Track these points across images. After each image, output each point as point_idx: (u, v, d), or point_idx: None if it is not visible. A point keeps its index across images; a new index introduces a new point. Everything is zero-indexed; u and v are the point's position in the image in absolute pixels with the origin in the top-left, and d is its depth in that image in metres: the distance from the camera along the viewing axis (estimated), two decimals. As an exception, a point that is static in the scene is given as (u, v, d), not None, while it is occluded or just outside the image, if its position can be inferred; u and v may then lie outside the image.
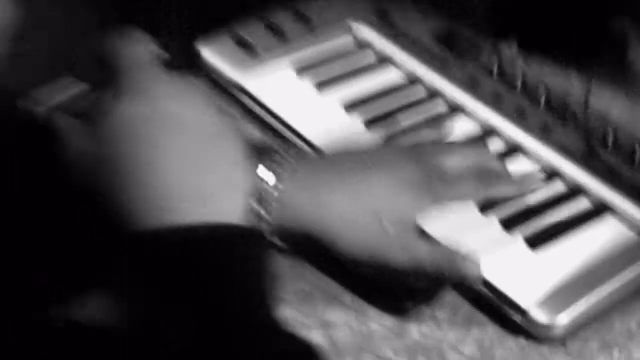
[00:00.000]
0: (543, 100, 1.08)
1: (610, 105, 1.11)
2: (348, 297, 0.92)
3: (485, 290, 0.90)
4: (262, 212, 0.82)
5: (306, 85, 1.12)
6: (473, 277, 0.87)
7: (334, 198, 0.87)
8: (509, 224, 0.96)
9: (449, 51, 1.14)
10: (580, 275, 0.91)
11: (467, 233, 0.92)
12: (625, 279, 0.91)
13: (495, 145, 1.05)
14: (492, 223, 0.95)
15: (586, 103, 1.07)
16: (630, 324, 0.89)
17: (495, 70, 1.11)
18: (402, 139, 1.00)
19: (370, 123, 1.08)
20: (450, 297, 0.91)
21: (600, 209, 0.99)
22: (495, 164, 0.98)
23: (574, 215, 0.98)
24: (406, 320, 0.90)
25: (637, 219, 0.97)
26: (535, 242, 0.94)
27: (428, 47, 1.15)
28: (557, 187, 1.01)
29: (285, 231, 0.86)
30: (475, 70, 1.11)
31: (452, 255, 0.87)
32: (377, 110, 1.09)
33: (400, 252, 0.87)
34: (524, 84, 1.10)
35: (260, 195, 0.81)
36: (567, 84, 1.08)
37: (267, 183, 0.83)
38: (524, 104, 1.08)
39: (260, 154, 0.84)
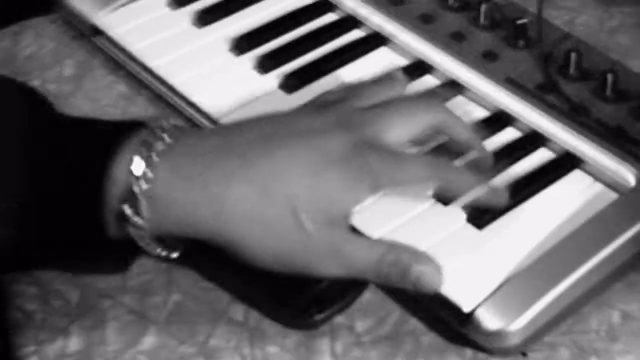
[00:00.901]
0: (483, 17, 0.84)
1: (572, 19, 0.88)
2: (239, 312, 0.70)
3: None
4: (130, 213, 0.64)
5: (184, 21, 0.89)
6: (432, 287, 0.67)
7: (229, 187, 0.64)
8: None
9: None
10: (541, 259, 0.69)
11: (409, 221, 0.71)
12: (603, 258, 0.69)
13: (428, 83, 0.82)
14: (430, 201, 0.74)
15: (539, 17, 0.83)
16: (611, 320, 0.68)
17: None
18: (325, 95, 0.75)
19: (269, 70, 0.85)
20: (373, 300, 0.71)
21: (563, 160, 0.76)
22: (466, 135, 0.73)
23: (529, 171, 0.76)
24: (314, 337, 0.69)
25: (611, 169, 0.74)
26: (480, 217, 0.72)
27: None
28: (507, 135, 0.78)
29: (167, 236, 0.66)
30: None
31: (401, 258, 0.66)
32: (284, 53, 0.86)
33: (326, 257, 0.66)
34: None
35: (127, 190, 0.64)
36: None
37: (132, 173, 0.63)
38: (461, 25, 0.85)
39: (122, 133, 0.65)
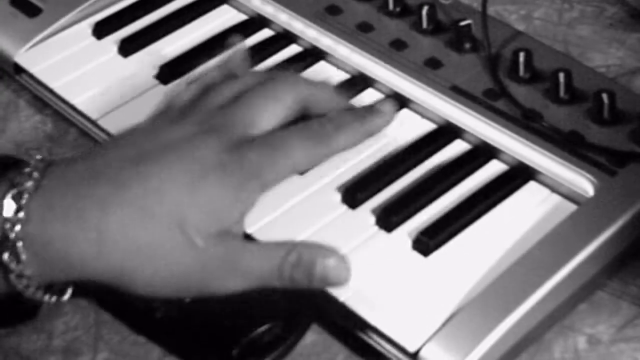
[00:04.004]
0: (425, 21, 0.78)
1: (529, 13, 0.83)
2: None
3: (356, 326, 0.63)
4: (7, 259, 0.58)
5: (109, 51, 0.83)
6: (340, 280, 0.61)
7: (105, 213, 0.58)
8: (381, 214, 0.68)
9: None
10: (494, 284, 0.62)
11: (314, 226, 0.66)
12: (563, 277, 0.63)
13: (370, 96, 0.76)
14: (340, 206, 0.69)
15: (484, 15, 0.77)
16: (577, 346, 0.62)
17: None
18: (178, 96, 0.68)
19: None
20: (317, 341, 0.65)
21: (516, 172, 0.70)
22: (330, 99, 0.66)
23: (480, 187, 0.69)
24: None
25: (568, 179, 0.68)
26: (427, 243, 0.65)
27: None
28: (455, 148, 0.72)
29: (52, 280, 0.60)
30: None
31: (302, 257, 0.60)
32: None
33: (224, 271, 0.60)
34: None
35: (4, 239, 0.58)
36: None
37: (4, 217, 0.58)
38: (402, 31, 0.78)
39: None
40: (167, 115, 0.65)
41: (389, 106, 0.65)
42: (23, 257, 0.58)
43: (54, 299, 0.61)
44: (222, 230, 0.60)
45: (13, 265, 0.58)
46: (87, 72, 0.82)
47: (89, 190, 0.59)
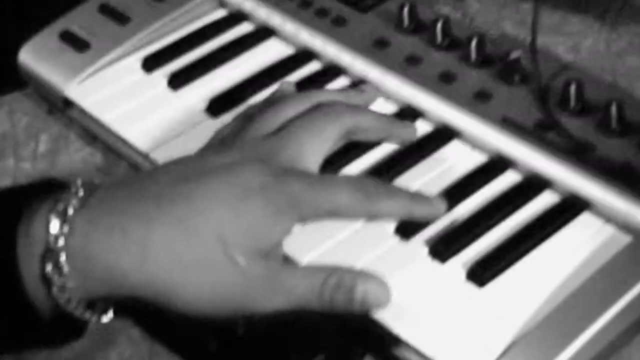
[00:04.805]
0: (474, 52, 0.79)
1: (576, 44, 0.82)
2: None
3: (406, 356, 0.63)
4: (50, 271, 0.59)
5: (158, 85, 0.84)
6: (379, 304, 0.63)
7: (149, 230, 0.60)
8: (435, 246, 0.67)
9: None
10: (550, 317, 0.62)
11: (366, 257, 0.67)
12: (620, 309, 0.62)
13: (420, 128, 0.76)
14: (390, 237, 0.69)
15: (533, 48, 0.77)
16: (635, 378, 0.61)
17: (406, 17, 0.82)
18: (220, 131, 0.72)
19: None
20: None
21: (570, 203, 0.69)
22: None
23: (533, 218, 0.69)
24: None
25: (622, 210, 0.67)
26: (481, 274, 0.65)
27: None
28: (507, 179, 0.72)
29: (95, 298, 0.61)
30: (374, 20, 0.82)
31: (344, 280, 0.61)
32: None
33: (264, 291, 0.61)
34: (445, 31, 0.80)
35: (46, 249, 0.60)
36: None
37: (49, 231, 0.59)
38: (451, 64, 0.79)
39: (34, 195, 0.61)
40: (213, 145, 0.68)
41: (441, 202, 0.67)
42: (65, 269, 0.59)
43: (95, 317, 0.62)
44: (262, 251, 0.61)
45: (55, 278, 0.59)
46: (137, 105, 0.82)
47: (133, 208, 0.61)
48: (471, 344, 0.62)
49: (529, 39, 0.80)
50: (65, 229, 0.60)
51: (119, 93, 0.84)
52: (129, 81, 0.85)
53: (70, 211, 0.60)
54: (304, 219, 0.63)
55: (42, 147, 0.85)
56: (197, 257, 0.60)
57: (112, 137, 0.82)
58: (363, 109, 0.74)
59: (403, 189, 0.67)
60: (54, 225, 0.60)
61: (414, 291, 0.65)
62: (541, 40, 0.82)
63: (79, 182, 0.62)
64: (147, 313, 0.70)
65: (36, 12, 0.95)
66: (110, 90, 0.84)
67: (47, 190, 0.62)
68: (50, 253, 0.60)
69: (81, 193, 0.61)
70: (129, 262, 0.60)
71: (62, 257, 0.59)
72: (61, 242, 0.60)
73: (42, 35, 0.89)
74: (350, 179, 0.66)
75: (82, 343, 0.71)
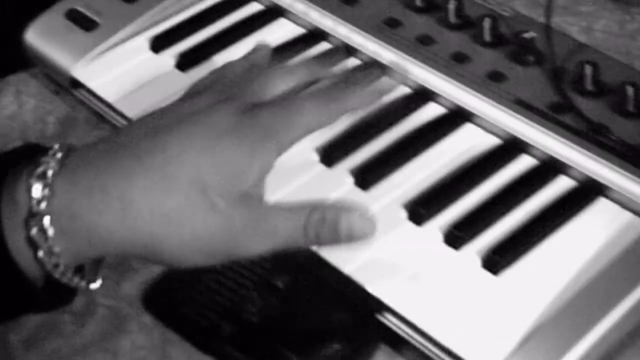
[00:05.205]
0: (487, 32, 0.77)
1: (589, 25, 0.81)
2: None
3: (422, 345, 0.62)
4: (35, 234, 0.59)
5: (166, 65, 0.83)
6: (365, 234, 0.61)
7: (129, 184, 0.60)
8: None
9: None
10: (569, 305, 0.62)
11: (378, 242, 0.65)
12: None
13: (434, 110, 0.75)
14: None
15: (548, 27, 0.76)
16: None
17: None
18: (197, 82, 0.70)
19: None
20: None
21: (586, 188, 0.69)
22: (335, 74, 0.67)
23: (548, 204, 0.68)
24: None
25: (638, 194, 0.67)
26: (497, 261, 0.64)
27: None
28: (522, 164, 0.71)
29: (82, 260, 0.61)
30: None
31: (327, 214, 0.60)
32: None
33: (248, 234, 0.60)
34: (458, 10, 0.79)
35: (29, 214, 0.59)
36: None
37: (31, 196, 0.59)
38: (463, 44, 0.78)
39: (13, 160, 0.61)
40: (185, 96, 0.66)
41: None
42: (50, 232, 0.59)
43: (83, 283, 0.62)
44: (243, 192, 0.60)
45: (42, 242, 0.59)
46: (145, 86, 0.81)
47: (110, 164, 0.60)
48: (487, 333, 0.61)
49: (541, 19, 0.79)
50: (46, 191, 0.59)
51: (126, 73, 0.83)
52: (137, 61, 0.84)
53: (50, 173, 0.60)
54: (282, 147, 0.62)
55: (50, 130, 0.84)
56: (176, 205, 0.59)
57: (119, 118, 0.81)
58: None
59: (357, 71, 0.66)
60: (36, 189, 0.59)
61: (429, 278, 0.64)
62: (553, 21, 0.81)
63: (57, 145, 0.61)
64: (158, 300, 0.70)
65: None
66: (117, 70, 0.83)
67: (31, 156, 0.62)
68: (33, 217, 0.59)
69: (59, 155, 0.61)
70: (112, 219, 0.59)
71: (46, 221, 0.59)
72: (44, 205, 0.59)
73: (49, 14, 0.88)
74: (307, 90, 0.65)
75: (94, 330, 0.71)
